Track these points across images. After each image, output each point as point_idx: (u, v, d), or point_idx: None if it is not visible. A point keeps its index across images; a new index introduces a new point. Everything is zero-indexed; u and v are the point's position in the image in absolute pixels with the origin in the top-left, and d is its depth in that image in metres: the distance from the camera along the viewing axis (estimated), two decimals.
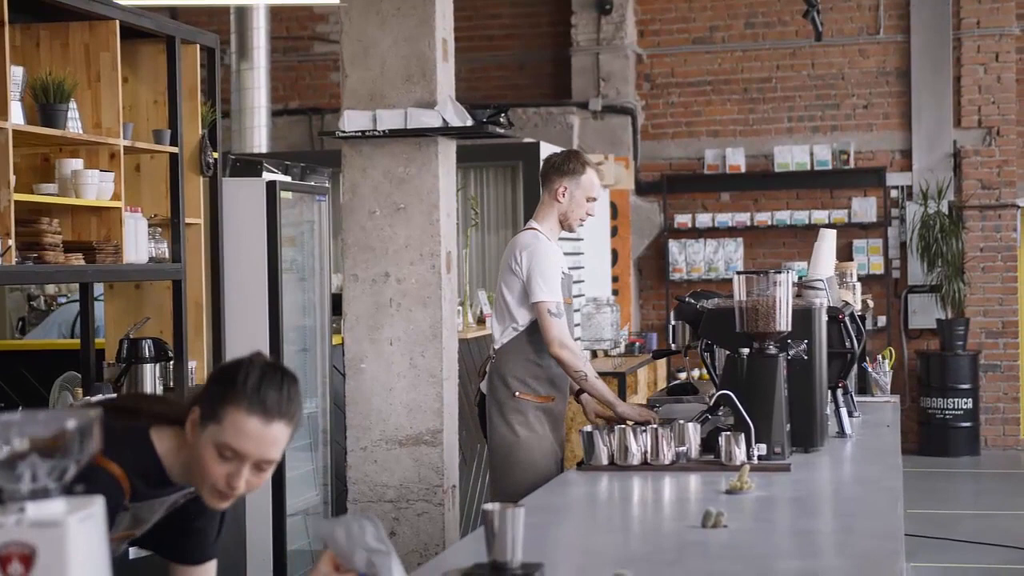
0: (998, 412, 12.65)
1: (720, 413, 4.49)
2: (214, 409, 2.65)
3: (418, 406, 5.66)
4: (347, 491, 5.79)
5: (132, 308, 5.93)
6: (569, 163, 5.41)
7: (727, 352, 4.64)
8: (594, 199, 5.43)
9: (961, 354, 12.31)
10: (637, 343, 11.04)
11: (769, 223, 12.83)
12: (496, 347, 5.43)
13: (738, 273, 4.54)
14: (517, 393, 5.32)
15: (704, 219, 12.92)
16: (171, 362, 5.78)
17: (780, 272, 4.49)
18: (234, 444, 2.63)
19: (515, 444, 5.31)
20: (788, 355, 4.53)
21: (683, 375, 10.86)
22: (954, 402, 12.25)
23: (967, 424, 12.29)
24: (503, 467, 5.36)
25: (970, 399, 12.28)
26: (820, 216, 12.63)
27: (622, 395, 9.03)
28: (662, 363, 11.03)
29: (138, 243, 5.48)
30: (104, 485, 2.58)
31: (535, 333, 5.25)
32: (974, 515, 9.93)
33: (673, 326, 5.22)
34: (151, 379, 5.56)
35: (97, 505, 1.86)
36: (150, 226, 5.68)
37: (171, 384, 5.79)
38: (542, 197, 5.42)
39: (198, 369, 6.04)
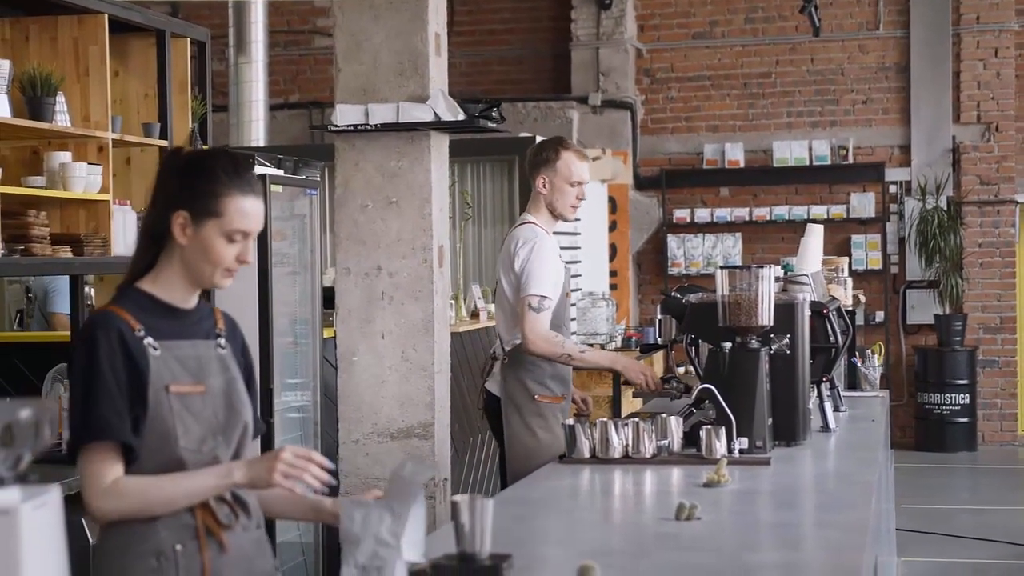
0: (995, 408, 12.65)
1: (704, 407, 4.49)
2: (208, 206, 2.91)
3: (410, 399, 5.66)
4: (339, 484, 5.81)
5: None
6: (542, 152, 5.37)
7: (710, 346, 4.65)
8: (578, 183, 5.34)
9: (959, 349, 12.31)
10: (634, 337, 11.03)
11: (768, 218, 12.83)
12: (507, 348, 5.37)
13: (721, 267, 4.55)
14: (537, 396, 5.28)
15: (703, 214, 12.92)
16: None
17: (762, 267, 4.50)
18: (242, 226, 2.93)
19: (536, 448, 5.23)
20: (770, 349, 4.54)
21: (681, 370, 10.83)
22: (951, 397, 12.25)
23: (964, 420, 12.30)
24: (524, 471, 5.26)
25: (967, 394, 12.29)
26: (819, 211, 12.63)
27: (616, 389, 9.01)
28: (660, 357, 11.02)
29: (127, 236, 5.50)
30: (107, 319, 2.92)
31: None
32: (969, 510, 9.94)
33: (659, 320, 5.22)
34: None
35: (52, 494, 1.88)
36: (139, 219, 5.70)
37: None
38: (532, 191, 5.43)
39: None
